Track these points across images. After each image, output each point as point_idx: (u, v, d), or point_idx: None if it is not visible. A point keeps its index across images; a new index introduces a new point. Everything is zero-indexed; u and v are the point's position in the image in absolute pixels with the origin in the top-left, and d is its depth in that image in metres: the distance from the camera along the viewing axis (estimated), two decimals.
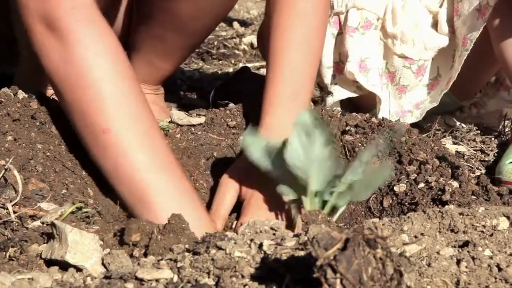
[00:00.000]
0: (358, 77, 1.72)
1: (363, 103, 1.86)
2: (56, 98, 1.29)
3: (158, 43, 1.58)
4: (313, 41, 1.36)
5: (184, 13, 1.47)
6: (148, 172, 1.08)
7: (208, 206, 1.27)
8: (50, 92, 1.38)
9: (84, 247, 0.92)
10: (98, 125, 1.08)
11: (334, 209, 1.08)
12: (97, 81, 1.08)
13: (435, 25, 1.78)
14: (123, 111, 1.09)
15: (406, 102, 1.81)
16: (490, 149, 1.68)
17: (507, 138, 1.75)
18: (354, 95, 1.81)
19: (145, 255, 0.97)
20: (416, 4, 1.77)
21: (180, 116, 1.54)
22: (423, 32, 1.74)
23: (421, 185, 1.24)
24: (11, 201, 1.05)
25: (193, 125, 1.52)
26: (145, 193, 1.08)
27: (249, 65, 2.88)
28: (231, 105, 1.59)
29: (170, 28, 1.52)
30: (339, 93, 1.81)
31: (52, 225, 0.95)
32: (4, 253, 0.94)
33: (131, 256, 0.97)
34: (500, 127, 1.85)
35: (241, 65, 2.86)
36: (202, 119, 1.53)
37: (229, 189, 1.24)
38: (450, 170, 1.32)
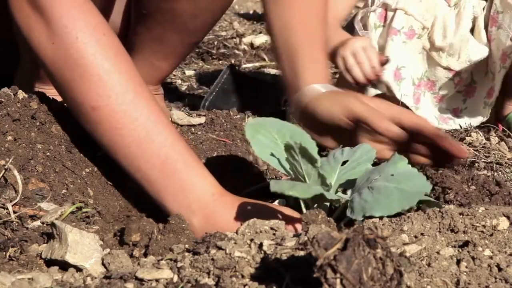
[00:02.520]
0: (392, 85, 1.74)
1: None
2: (56, 98, 1.29)
3: (158, 44, 1.59)
4: (324, 13, 1.42)
5: (184, 13, 1.47)
6: (142, 143, 1.08)
7: None
8: (50, 92, 1.38)
9: (84, 247, 0.92)
10: (88, 103, 1.09)
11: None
12: (82, 58, 1.09)
13: (472, 30, 1.78)
14: (109, 86, 1.09)
15: (442, 108, 1.82)
16: (490, 149, 1.68)
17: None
18: None
19: (145, 255, 0.97)
20: (467, 13, 1.76)
21: (180, 116, 1.55)
22: (469, 46, 1.74)
23: None
24: (11, 201, 1.05)
25: (193, 125, 1.52)
26: (143, 166, 1.09)
27: (249, 65, 2.88)
28: (231, 105, 1.60)
29: (169, 28, 1.52)
30: None
31: (52, 225, 0.95)
32: (4, 253, 0.94)
33: (131, 256, 0.97)
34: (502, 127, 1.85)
35: (243, 65, 2.86)
36: (202, 119, 1.53)
37: None
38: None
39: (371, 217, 0.93)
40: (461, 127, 1.86)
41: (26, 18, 1.12)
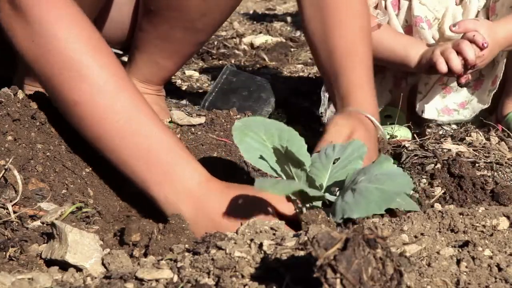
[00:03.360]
0: None
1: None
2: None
3: (163, 41, 1.58)
4: (370, 36, 1.47)
5: (192, 10, 1.47)
6: (127, 136, 1.09)
7: None
8: (39, 89, 1.38)
9: (84, 247, 0.92)
10: (70, 98, 1.10)
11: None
12: (61, 54, 1.10)
13: None
14: (90, 80, 1.09)
15: (449, 101, 1.83)
16: (490, 149, 1.68)
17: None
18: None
19: (145, 255, 0.97)
20: (473, 7, 1.78)
21: (180, 116, 1.55)
22: None
23: (422, 184, 1.24)
24: (11, 201, 1.05)
25: (193, 125, 1.52)
26: (127, 159, 1.09)
27: (249, 65, 2.88)
28: (231, 105, 1.60)
29: (176, 26, 1.51)
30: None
31: (52, 225, 0.95)
32: (4, 253, 0.94)
33: (131, 256, 0.97)
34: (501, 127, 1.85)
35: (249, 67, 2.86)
36: (202, 119, 1.53)
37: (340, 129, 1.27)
38: (450, 170, 1.32)
39: (349, 219, 0.93)
40: (460, 127, 1.87)
41: (7, 17, 1.13)
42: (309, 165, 1.05)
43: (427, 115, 1.84)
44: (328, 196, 1.02)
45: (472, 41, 1.60)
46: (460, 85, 1.67)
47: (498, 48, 1.67)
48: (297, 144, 1.06)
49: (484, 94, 1.81)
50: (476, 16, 1.80)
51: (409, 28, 1.82)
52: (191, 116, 1.55)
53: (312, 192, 1.00)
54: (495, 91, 1.77)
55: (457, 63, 1.59)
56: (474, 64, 1.60)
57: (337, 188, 1.07)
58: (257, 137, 1.06)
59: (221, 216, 1.01)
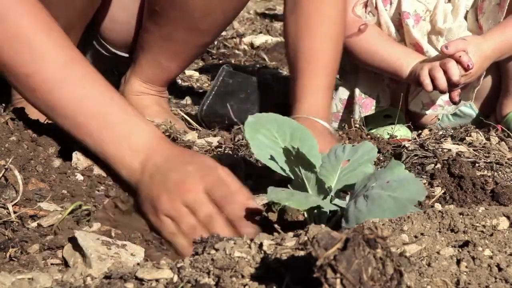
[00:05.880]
0: None
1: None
2: None
3: (167, 42, 1.59)
4: (340, 43, 1.53)
5: (196, 9, 1.47)
6: (80, 100, 1.11)
7: None
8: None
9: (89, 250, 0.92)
10: (20, 71, 1.11)
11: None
12: (10, 29, 1.10)
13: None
14: (40, 52, 1.10)
15: (437, 97, 1.84)
16: (490, 149, 1.68)
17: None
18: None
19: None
20: (462, 4, 1.79)
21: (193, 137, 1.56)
22: (465, 33, 1.77)
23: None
24: (11, 201, 1.05)
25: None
26: (82, 122, 1.11)
27: (249, 65, 2.88)
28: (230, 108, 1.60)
29: (179, 26, 1.52)
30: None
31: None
32: (5, 253, 0.94)
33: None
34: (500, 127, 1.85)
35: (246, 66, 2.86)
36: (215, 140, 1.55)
37: None
38: (450, 170, 1.32)
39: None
40: (460, 127, 1.87)
41: None
42: (319, 165, 1.05)
43: (412, 107, 1.87)
44: (339, 202, 1.02)
45: (458, 62, 1.63)
46: (454, 103, 1.73)
47: (489, 62, 1.72)
48: (309, 144, 1.06)
49: (469, 91, 1.82)
50: (465, 15, 1.81)
51: (401, 22, 1.82)
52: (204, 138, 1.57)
53: (326, 206, 1.00)
54: (478, 87, 1.79)
55: (442, 82, 1.65)
56: (458, 83, 1.65)
57: (342, 192, 1.07)
58: (269, 134, 1.06)
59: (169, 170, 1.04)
